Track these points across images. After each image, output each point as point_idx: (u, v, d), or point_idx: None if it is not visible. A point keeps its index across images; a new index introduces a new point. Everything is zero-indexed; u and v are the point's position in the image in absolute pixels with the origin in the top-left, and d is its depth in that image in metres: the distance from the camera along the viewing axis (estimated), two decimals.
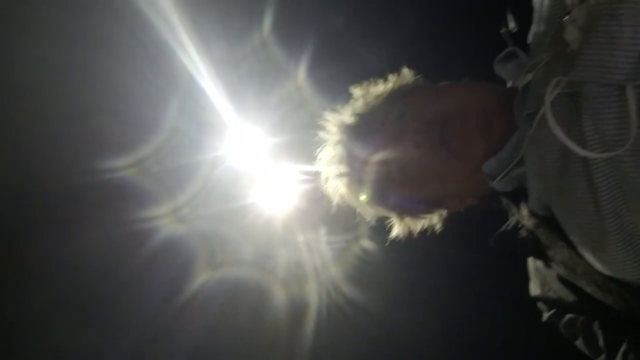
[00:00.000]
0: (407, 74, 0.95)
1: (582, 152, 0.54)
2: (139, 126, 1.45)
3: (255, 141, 1.58)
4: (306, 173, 1.47)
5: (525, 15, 0.77)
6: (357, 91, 0.95)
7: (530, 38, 0.77)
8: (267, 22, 1.44)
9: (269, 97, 1.53)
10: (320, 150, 0.97)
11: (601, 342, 0.71)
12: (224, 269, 1.60)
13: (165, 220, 1.51)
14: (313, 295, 1.69)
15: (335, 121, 0.94)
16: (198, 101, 1.49)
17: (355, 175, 0.91)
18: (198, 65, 1.43)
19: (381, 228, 1.03)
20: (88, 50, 1.31)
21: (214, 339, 1.60)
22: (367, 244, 1.61)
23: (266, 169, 1.60)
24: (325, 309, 1.69)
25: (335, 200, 0.99)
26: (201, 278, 1.57)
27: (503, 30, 0.85)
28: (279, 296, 1.68)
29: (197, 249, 1.57)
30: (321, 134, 0.96)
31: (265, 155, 1.59)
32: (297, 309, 1.70)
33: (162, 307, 1.52)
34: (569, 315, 0.77)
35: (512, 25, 0.84)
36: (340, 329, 1.69)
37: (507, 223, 0.85)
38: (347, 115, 0.93)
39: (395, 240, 1.01)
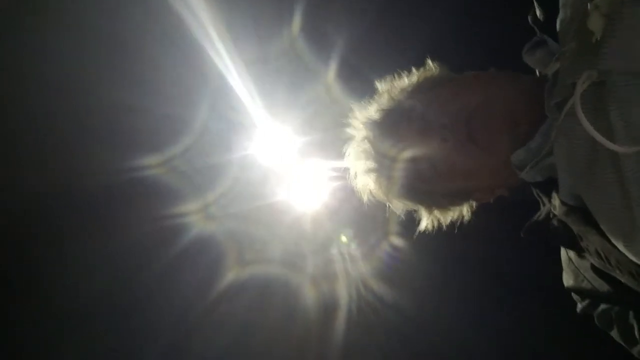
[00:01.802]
0: (431, 65, 0.95)
1: (612, 147, 0.53)
2: (170, 125, 1.48)
3: (284, 140, 1.60)
4: (335, 171, 1.48)
5: (553, 2, 0.76)
6: (382, 85, 0.95)
7: (558, 25, 0.76)
8: (297, 21, 1.45)
9: (299, 96, 1.55)
10: (348, 147, 0.98)
11: (637, 333, 0.70)
12: (253, 267, 1.62)
13: (194, 218, 1.54)
14: (343, 293, 1.69)
15: (362, 117, 0.94)
16: (228, 100, 1.52)
17: (383, 171, 0.91)
18: (228, 64, 1.45)
19: (410, 224, 1.03)
20: (119, 48, 1.35)
21: (243, 336, 1.62)
22: (396, 240, 1.60)
23: (295, 167, 1.62)
24: (355, 306, 1.69)
25: (364, 196, 1.00)
26: (230, 276, 1.59)
27: (530, 18, 0.84)
28: (309, 294, 1.69)
29: (227, 246, 1.59)
30: (348, 130, 0.97)
31: (295, 153, 1.61)
32: (327, 307, 1.70)
33: (192, 304, 1.55)
34: (603, 306, 0.76)
35: (539, 12, 0.82)
36: (371, 326, 1.69)
37: (539, 214, 0.84)
38: (373, 110, 0.93)
39: (424, 235, 1.01)
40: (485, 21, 1.33)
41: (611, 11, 0.53)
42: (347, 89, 1.50)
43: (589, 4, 0.57)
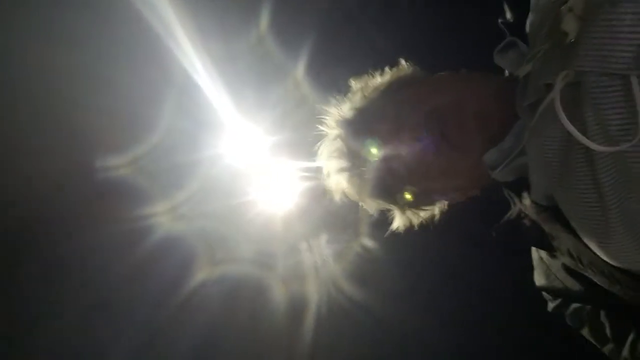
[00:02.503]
0: (404, 65, 0.95)
1: (592, 145, 0.53)
2: (135, 124, 1.44)
3: (254, 138, 1.57)
4: (307, 170, 1.46)
5: (523, 5, 0.77)
6: (355, 84, 0.95)
7: (528, 27, 0.77)
8: (264, 18, 1.42)
9: (268, 94, 1.52)
10: (320, 146, 0.97)
11: (608, 331, 0.71)
12: (223, 267, 1.59)
13: (163, 218, 1.50)
14: (313, 293, 1.68)
15: (335, 115, 0.93)
16: (195, 99, 1.48)
17: (356, 170, 0.90)
18: (195, 61, 1.41)
19: (382, 225, 1.02)
20: (80, 48, 1.30)
21: (213, 337, 1.59)
22: (367, 241, 1.60)
23: (266, 166, 1.59)
24: (326, 306, 1.68)
25: (337, 195, 0.99)
26: (200, 276, 1.55)
27: (500, 21, 0.84)
28: (279, 294, 1.67)
29: (196, 247, 1.56)
30: (321, 128, 0.96)
31: (265, 152, 1.58)
32: (297, 307, 1.68)
33: (161, 305, 1.51)
34: (575, 305, 0.77)
35: (509, 15, 0.83)
36: (341, 327, 1.68)
37: (509, 213, 0.85)
38: (346, 109, 0.92)
39: (395, 236, 1.01)
40: (454, 22, 1.34)
41: (586, 13, 0.53)
42: (318, 86, 1.48)
43: (562, 6, 0.57)
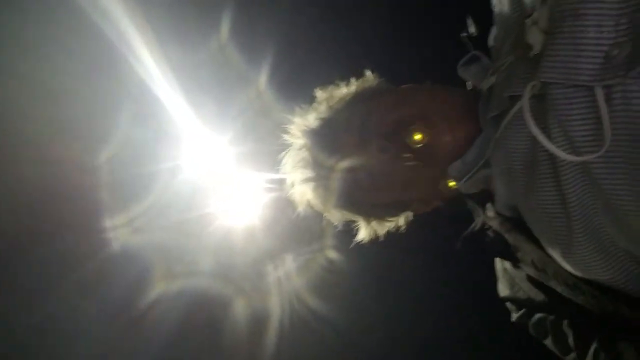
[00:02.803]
0: (370, 77, 0.95)
1: (561, 154, 0.54)
2: (89, 135, 1.37)
3: (215, 149, 1.54)
4: (270, 182, 1.44)
5: (486, 19, 0.78)
6: (320, 94, 0.94)
7: (491, 41, 0.78)
8: (226, 25, 1.39)
9: (230, 103, 1.49)
10: (285, 155, 0.96)
11: (571, 341, 0.71)
12: (182, 281, 1.54)
13: (120, 231, 1.44)
14: (275, 307, 1.65)
15: (300, 125, 0.92)
16: (153, 108, 1.43)
17: (321, 180, 0.90)
18: (152, 70, 1.37)
19: (346, 237, 1.02)
20: (29, 55, 1.23)
21: (171, 353, 1.53)
22: (332, 253, 1.58)
23: (227, 177, 1.56)
24: (288, 320, 1.65)
25: (301, 205, 0.97)
26: (157, 290, 1.49)
27: (464, 34, 0.85)
28: (240, 308, 1.62)
29: (154, 260, 1.50)
30: (285, 137, 0.94)
31: (227, 163, 1.55)
32: (259, 321, 1.65)
33: (116, 320, 1.44)
34: (538, 315, 0.78)
35: (472, 29, 0.84)
36: (303, 341, 1.65)
37: (473, 225, 0.86)
38: (311, 118, 0.91)
39: (360, 248, 1.01)
40: (418, 34, 1.35)
41: (550, 26, 0.54)
42: (281, 96, 1.46)
43: (526, 19, 0.58)
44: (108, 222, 1.42)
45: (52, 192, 1.34)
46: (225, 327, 1.62)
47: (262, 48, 1.41)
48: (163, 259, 1.51)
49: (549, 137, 0.56)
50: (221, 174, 1.55)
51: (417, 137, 0.77)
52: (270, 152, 1.03)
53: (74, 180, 1.37)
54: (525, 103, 0.55)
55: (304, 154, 0.91)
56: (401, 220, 0.99)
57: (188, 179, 1.53)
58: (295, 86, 1.25)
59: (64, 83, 1.29)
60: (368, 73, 0.95)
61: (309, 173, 0.90)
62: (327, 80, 0.97)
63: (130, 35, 1.30)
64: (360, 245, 1.01)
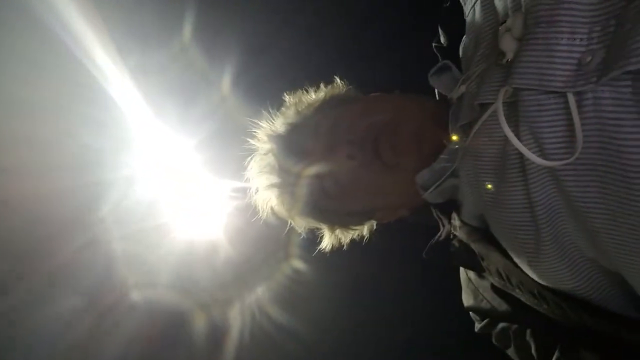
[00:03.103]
0: (339, 84, 0.95)
1: (534, 158, 0.53)
2: (42, 142, 1.30)
3: (176, 155, 1.49)
4: (233, 190, 1.41)
5: (457, 29, 0.79)
6: (289, 99, 0.93)
7: (461, 51, 0.79)
8: (188, 26, 1.36)
9: (192, 108, 1.45)
10: (251, 160, 0.93)
11: (533, 351, 0.72)
12: (138, 292, 1.47)
13: (74, 241, 1.36)
14: (236, 318, 1.60)
15: (267, 129, 0.90)
16: (110, 114, 1.38)
17: (287, 186, 0.88)
18: (109, 74, 1.32)
19: (311, 246, 1.01)
20: None
21: None
22: (297, 264, 1.56)
23: (189, 185, 1.51)
24: (249, 333, 1.61)
25: (265, 212, 0.95)
26: (112, 301, 1.43)
27: (435, 44, 0.86)
28: (199, 320, 1.57)
29: (109, 271, 1.43)
30: (251, 142, 0.92)
31: (188, 170, 1.50)
32: (217, 333, 1.60)
33: (68, 332, 1.36)
34: (501, 325, 0.78)
35: (443, 39, 0.85)
36: (264, 355, 1.61)
37: (439, 235, 0.86)
38: (278, 123, 0.90)
39: (326, 258, 1.00)
40: (388, 42, 1.36)
41: (524, 33, 0.54)
42: (245, 100, 1.43)
43: (500, 26, 0.58)
44: (62, 231, 1.35)
45: (2, 200, 1.27)
46: (183, 341, 1.57)
47: (227, 50, 1.38)
48: (119, 270, 1.45)
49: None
50: (182, 181, 1.51)
51: (385, 144, 0.77)
52: (234, 159, 1.01)
53: (25, 189, 1.30)
54: (499, 106, 0.55)
55: (270, 159, 0.89)
56: (365, 230, 0.99)
57: (147, 187, 1.48)
58: (261, 90, 1.23)
59: (15, 88, 1.23)
60: (337, 80, 0.94)
61: (274, 179, 0.89)
62: (295, 85, 0.96)
63: (85, 36, 1.25)
64: (325, 255, 1.00)
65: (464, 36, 0.76)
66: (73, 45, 1.25)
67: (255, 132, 0.92)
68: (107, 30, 1.28)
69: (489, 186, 0.64)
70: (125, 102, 1.39)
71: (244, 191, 1.00)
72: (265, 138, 0.91)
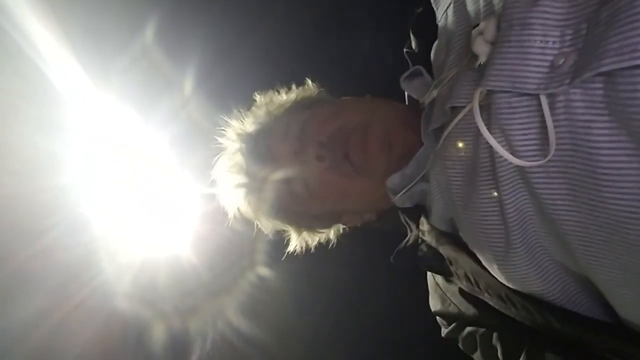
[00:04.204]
0: (310, 86, 0.94)
1: (507, 155, 0.53)
2: None
3: (138, 160, 1.44)
4: (197, 195, 1.38)
5: (429, 35, 0.79)
6: (260, 98, 0.92)
7: (433, 56, 0.79)
8: (151, 26, 1.32)
9: (154, 109, 1.41)
10: (218, 159, 0.92)
11: (500, 354, 0.72)
12: (95, 300, 1.41)
13: (28, 248, 1.30)
14: (197, 328, 1.56)
15: (236, 128, 0.89)
16: (68, 116, 1.33)
17: (254, 186, 0.87)
18: (64, 74, 1.27)
19: (278, 253, 0.99)
20: None
21: None
22: (262, 271, 1.53)
23: (150, 189, 1.47)
24: (211, 343, 1.57)
25: (231, 212, 0.94)
26: (67, 309, 1.36)
27: (406, 50, 0.87)
28: (159, 331, 1.52)
29: (65, 278, 1.36)
30: (220, 140, 0.91)
31: (149, 174, 1.46)
32: (178, 344, 1.55)
33: (22, 339, 1.29)
34: (468, 329, 0.78)
35: (414, 44, 0.86)
36: None
37: (406, 239, 0.85)
38: (248, 123, 0.89)
39: (293, 266, 0.99)
40: (360, 45, 1.36)
41: (497, 36, 0.54)
42: (209, 102, 1.40)
43: (472, 30, 0.58)
44: (16, 238, 1.29)
45: None
46: (141, 353, 1.51)
47: (190, 51, 1.35)
48: (76, 278, 1.39)
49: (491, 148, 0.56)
50: (143, 186, 1.46)
51: (356, 147, 0.77)
52: (198, 163, 0.99)
53: None
54: (475, 104, 0.55)
55: (238, 158, 0.88)
56: (332, 234, 0.99)
57: (105, 192, 1.42)
58: (225, 93, 1.21)
59: None
60: (309, 82, 0.94)
61: (241, 179, 0.88)
62: (261, 88, 0.95)
63: (40, 36, 1.21)
64: (290, 262, 0.99)
65: (436, 41, 0.77)
66: (26, 45, 1.20)
67: (223, 130, 0.91)
68: (63, 31, 1.24)
69: (459, 186, 0.64)
70: (84, 105, 1.34)
71: (208, 197, 0.98)
72: (234, 137, 0.89)
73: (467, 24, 0.64)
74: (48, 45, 1.23)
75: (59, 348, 1.35)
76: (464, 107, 0.59)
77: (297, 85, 0.94)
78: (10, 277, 1.27)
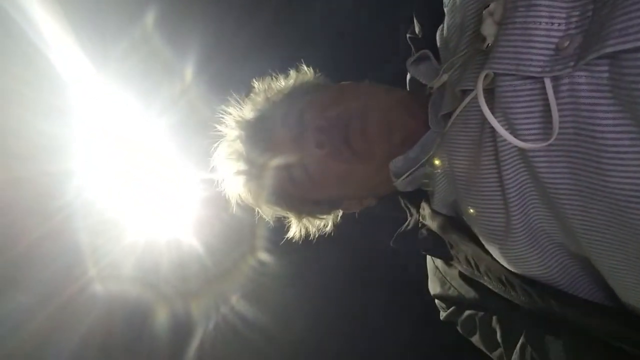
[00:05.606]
0: (309, 71, 0.94)
1: (510, 138, 0.53)
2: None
3: (139, 145, 1.45)
4: (197, 180, 1.38)
5: (433, 19, 0.78)
6: (258, 85, 0.91)
7: (439, 40, 0.78)
8: (151, 12, 1.31)
9: (155, 97, 1.41)
10: (218, 146, 0.91)
11: (499, 337, 0.73)
12: (99, 284, 1.42)
13: (33, 232, 1.31)
14: (200, 311, 1.57)
15: (235, 115, 0.88)
16: (70, 101, 1.33)
17: (254, 174, 0.87)
18: (67, 60, 1.27)
19: (278, 238, 0.99)
20: None
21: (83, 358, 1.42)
22: (263, 256, 1.54)
23: (152, 175, 1.47)
24: (213, 327, 1.58)
25: (232, 200, 0.94)
26: (70, 293, 1.38)
27: (409, 35, 0.86)
28: (162, 314, 1.53)
29: (67, 262, 1.38)
30: (219, 127, 0.90)
31: (151, 160, 1.46)
32: (181, 328, 1.57)
33: (28, 322, 1.31)
34: (467, 312, 0.79)
35: (417, 29, 0.85)
36: (230, 349, 1.59)
37: (407, 223, 0.86)
38: (247, 110, 0.88)
39: (293, 251, 0.99)
40: (359, 31, 1.35)
41: (504, 17, 0.54)
42: (209, 90, 1.39)
43: (484, 11, 0.57)
44: (21, 221, 1.30)
45: None
46: (145, 335, 1.53)
47: (190, 38, 1.35)
48: (80, 261, 1.40)
49: (494, 131, 0.55)
50: (145, 171, 1.47)
51: (355, 131, 0.76)
52: (199, 149, 0.98)
53: None
54: (479, 87, 0.54)
55: (238, 145, 0.87)
56: (331, 220, 0.99)
57: (108, 177, 1.43)
58: (225, 80, 1.20)
59: None
60: (307, 68, 0.93)
61: (241, 166, 0.87)
62: (260, 75, 0.94)
63: (44, 23, 1.21)
64: (291, 247, 0.99)
65: (441, 25, 0.76)
66: (31, 32, 1.21)
67: (222, 118, 0.90)
68: (66, 17, 1.23)
69: (463, 170, 0.64)
70: (88, 91, 1.34)
71: (209, 182, 0.98)
72: (233, 124, 0.89)
73: (481, 5, 0.63)
74: (51, 31, 1.23)
75: (64, 329, 1.37)
76: (472, 90, 0.59)
77: (296, 71, 0.93)
78: (15, 261, 1.29)
